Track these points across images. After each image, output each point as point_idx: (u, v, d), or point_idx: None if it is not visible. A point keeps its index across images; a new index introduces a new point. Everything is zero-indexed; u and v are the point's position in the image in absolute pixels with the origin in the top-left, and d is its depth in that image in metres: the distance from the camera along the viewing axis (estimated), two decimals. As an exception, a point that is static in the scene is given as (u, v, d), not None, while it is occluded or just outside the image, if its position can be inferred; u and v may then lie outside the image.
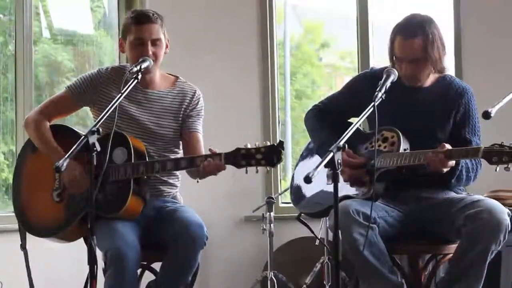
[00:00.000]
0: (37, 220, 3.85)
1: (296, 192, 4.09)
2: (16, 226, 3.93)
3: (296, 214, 4.15)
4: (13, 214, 3.92)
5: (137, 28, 3.77)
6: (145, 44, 3.75)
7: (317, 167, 2.91)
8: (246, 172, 3.48)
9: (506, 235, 3.49)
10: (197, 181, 3.68)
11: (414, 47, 3.68)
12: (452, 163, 3.52)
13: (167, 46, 3.86)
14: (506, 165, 3.29)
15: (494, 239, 3.46)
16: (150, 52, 3.74)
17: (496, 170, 3.32)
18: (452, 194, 3.77)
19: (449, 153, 3.46)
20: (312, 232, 4.10)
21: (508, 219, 3.49)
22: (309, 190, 3.97)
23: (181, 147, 3.95)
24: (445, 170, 3.51)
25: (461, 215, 3.53)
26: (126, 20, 3.85)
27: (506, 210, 3.54)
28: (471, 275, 3.51)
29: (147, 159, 3.68)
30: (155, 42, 3.77)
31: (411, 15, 3.78)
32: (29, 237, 3.89)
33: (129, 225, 3.63)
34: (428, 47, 3.67)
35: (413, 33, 3.68)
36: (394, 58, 3.74)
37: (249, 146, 3.46)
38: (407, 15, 3.79)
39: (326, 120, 3.97)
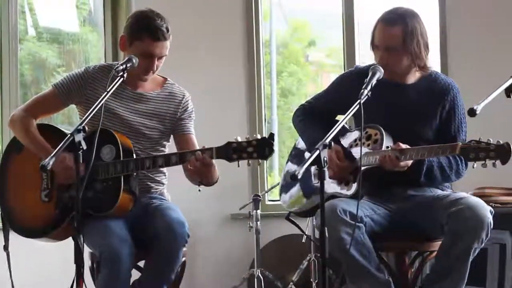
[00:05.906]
0: (25, 221, 3.81)
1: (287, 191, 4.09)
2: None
3: (283, 212, 4.14)
4: (-1, 214, 3.89)
5: (152, 43, 3.71)
6: (153, 60, 3.74)
7: (303, 165, 2.90)
8: (238, 166, 3.44)
9: (489, 233, 3.48)
10: (199, 190, 3.69)
11: (391, 35, 3.67)
12: (406, 163, 3.50)
13: None
14: (483, 162, 3.26)
15: (476, 237, 3.45)
16: (155, 68, 3.76)
17: (473, 167, 3.30)
18: (438, 192, 3.77)
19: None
20: (302, 231, 4.11)
21: (490, 217, 3.48)
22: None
23: (167, 145, 3.94)
24: (397, 169, 3.49)
25: (445, 213, 3.53)
26: (138, 23, 3.76)
27: (488, 207, 3.52)
28: (455, 273, 3.51)
29: (134, 156, 3.66)
30: (161, 57, 3.76)
31: (397, 7, 3.78)
32: (17, 236, 3.85)
33: (120, 222, 3.62)
34: (406, 38, 3.65)
35: (393, 21, 3.68)
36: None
37: (239, 139, 3.43)
38: (394, 6, 3.79)
39: (314, 118, 3.96)
